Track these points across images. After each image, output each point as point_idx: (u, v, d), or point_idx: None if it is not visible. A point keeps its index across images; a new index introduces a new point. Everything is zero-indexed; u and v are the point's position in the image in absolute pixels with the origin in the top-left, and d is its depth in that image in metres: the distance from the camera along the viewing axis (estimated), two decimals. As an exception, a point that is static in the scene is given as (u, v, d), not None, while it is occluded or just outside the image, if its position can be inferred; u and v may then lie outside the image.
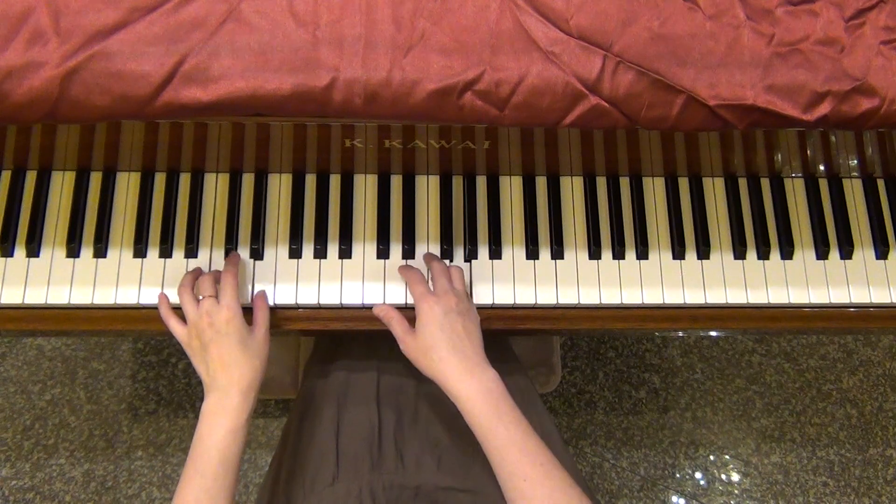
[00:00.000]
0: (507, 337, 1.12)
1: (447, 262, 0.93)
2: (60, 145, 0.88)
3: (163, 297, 0.87)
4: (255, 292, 0.90)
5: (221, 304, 0.82)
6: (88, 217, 0.92)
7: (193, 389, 1.65)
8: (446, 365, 0.78)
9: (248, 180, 0.94)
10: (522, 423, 0.76)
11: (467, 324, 0.80)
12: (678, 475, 1.64)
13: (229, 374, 0.79)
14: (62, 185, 0.92)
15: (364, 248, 0.93)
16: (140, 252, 0.90)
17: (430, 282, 0.88)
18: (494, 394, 0.77)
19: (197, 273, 0.88)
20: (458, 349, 0.78)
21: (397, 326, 0.84)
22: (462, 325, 0.80)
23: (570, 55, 0.72)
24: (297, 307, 0.91)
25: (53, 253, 0.90)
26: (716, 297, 0.93)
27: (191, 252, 0.91)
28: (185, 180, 0.94)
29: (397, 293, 0.91)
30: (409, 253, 0.92)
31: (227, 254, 0.91)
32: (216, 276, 0.86)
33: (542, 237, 0.94)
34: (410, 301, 0.91)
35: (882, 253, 0.97)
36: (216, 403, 0.79)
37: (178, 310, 0.87)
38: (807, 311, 0.95)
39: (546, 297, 0.92)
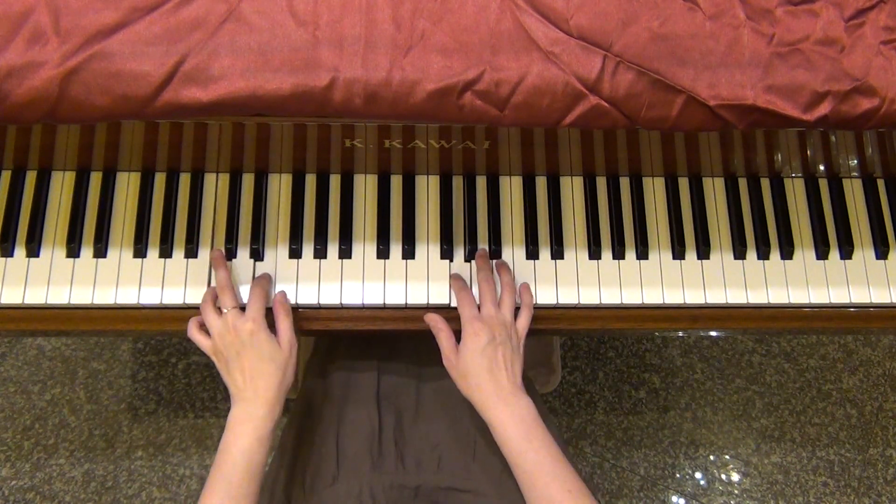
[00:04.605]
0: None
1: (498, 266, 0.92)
2: (60, 145, 0.88)
3: (193, 320, 0.86)
4: (275, 296, 0.89)
5: (247, 316, 0.82)
6: (88, 217, 0.92)
7: (193, 389, 1.65)
8: (482, 391, 0.81)
9: (248, 180, 0.94)
10: (552, 449, 0.78)
11: (507, 352, 0.82)
12: (678, 475, 1.64)
13: (255, 385, 0.80)
14: (62, 185, 0.92)
15: (364, 248, 0.93)
16: (140, 252, 0.90)
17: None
18: (526, 421, 0.79)
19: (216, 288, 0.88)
20: (494, 377, 0.81)
21: (445, 342, 0.85)
22: (502, 353, 0.82)
23: (570, 55, 0.72)
24: (297, 307, 0.91)
25: (53, 253, 0.90)
26: (716, 297, 0.93)
27: (191, 252, 0.91)
28: (185, 180, 0.94)
29: (397, 293, 0.91)
30: (409, 253, 0.92)
31: (227, 254, 0.91)
32: (230, 284, 0.85)
33: (542, 237, 0.94)
34: (411, 302, 0.91)
35: (882, 253, 0.97)
36: (243, 413, 0.80)
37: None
38: (807, 311, 0.95)
39: (546, 297, 0.92)
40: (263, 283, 0.88)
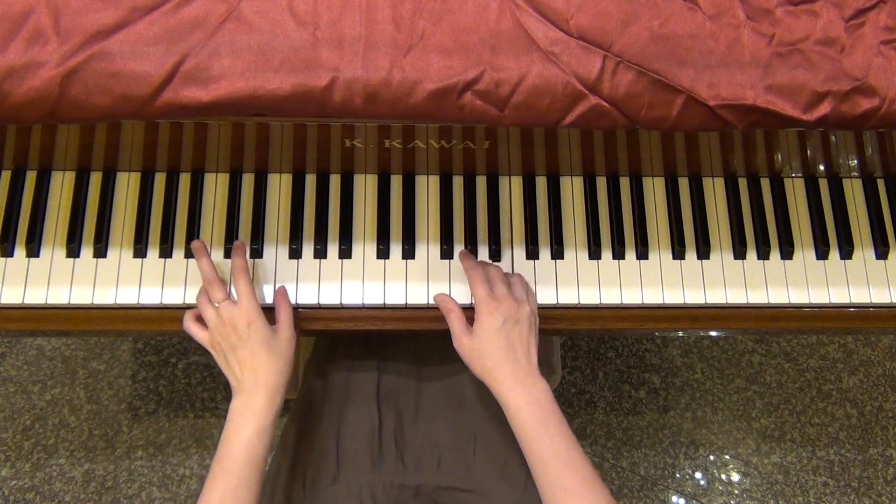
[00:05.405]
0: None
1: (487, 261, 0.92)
2: (60, 145, 0.88)
3: (189, 313, 0.86)
4: (276, 289, 0.89)
5: (241, 308, 0.81)
6: (88, 217, 0.92)
7: (193, 389, 1.65)
8: (499, 372, 0.79)
9: (248, 180, 0.94)
10: (568, 436, 0.77)
11: (523, 332, 0.81)
12: (678, 475, 1.64)
13: (255, 376, 0.79)
14: (62, 185, 0.92)
15: (364, 248, 0.93)
16: (140, 252, 0.90)
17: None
18: (543, 404, 0.78)
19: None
20: (511, 358, 0.79)
21: (456, 323, 0.83)
22: (518, 333, 0.80)
23: (570, 55, 0.72)
24: (297, 307, 0.91)
25: (53, 253, 0.90)
26: (716, 297, 0.93)
27: (191, 252, 0.91)
28: (185, 180, 0.94)
29: (397, 293, 0.91)
30: (409, 253, 0.92)
31: (227, 254, 0.91)
32: (215, 276, 0.85)
33: (542, 237, 0.94)
34: (411, 301, 0.91)
35: (882, 253, 0.97)
36: (243, 405, 0.79)
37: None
38: (807, 311, 0.95)
39: (546, 297, 0.92)
40: (243, 266, 0.85)
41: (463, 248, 0.93)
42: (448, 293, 0.91)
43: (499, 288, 0.83)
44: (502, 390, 0.78)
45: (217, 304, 0.82)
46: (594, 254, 0.94)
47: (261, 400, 0.79)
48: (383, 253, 0.92)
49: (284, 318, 0.85)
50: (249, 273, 0.85)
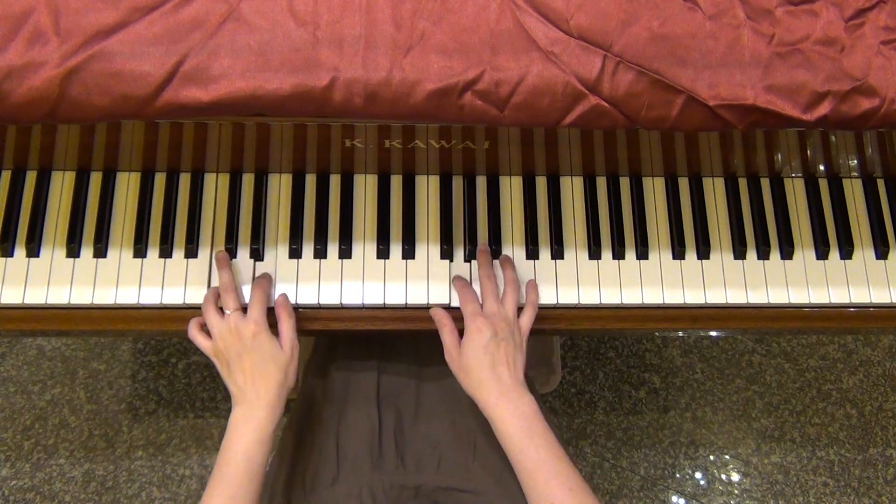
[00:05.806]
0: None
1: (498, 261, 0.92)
2: (60, 145, 0.88)
3: (193, 321, 0.86)
4: (276, 297, 0.89)
5: (249, 318, 0.82)
6: (88, 217, 0.92)
7: (193, 389, 1.65)
8: (484, 388, 0.80)
9: (248, 180, 0.94)
10: (554, 447, 0.78)
11: (510, 348, 0.82)
12: (678, 475, 1.64)
13: (257, 387, 0.80)
14: (62, 185, 0.92)
15: (364, 248, 0.93)
16: (140, 252, 0.90)
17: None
18: (528, 417, 0.79)
19: (219, 289, 0.88)
20: (497, 374, 0.80)
21: (448, 337, 0.84)
22: (505, 349, 0.81)
23: (570, 55, 0.72)
24: (297, 307, 0.91)
25: (53, 253, 0.90)
26: (716, 297, 0.93)
27: (191, 252, 0.91)
28: (185, 180, 0.94)
29: (397, 293, 0.91)
30: (409, 253, 0.92)
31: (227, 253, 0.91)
32: (233, 286, 0.86)
33: (542, 237, 0.94)
34: (411, 302, 0.91)
35: (882, 253, 0.97)
36: (244, 415, 0.79)
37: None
38: (807, 311, 0.95)
39: (546, 297, 0.92)
40: (264, 283, 0.88)
41: (463, 248, 0.93)
42: (447, 293, 0.91)
43: (489, 304, 0.85)
44: (488, 406, 0.80)
45: (228, 312, 0.83)
46: (594, 254, 0.94)
47: (262, 411, 0.79)
48: (383, 253, 0.92)
49: (287, 329, 0.85)
50: (266, 295, 0.86)
